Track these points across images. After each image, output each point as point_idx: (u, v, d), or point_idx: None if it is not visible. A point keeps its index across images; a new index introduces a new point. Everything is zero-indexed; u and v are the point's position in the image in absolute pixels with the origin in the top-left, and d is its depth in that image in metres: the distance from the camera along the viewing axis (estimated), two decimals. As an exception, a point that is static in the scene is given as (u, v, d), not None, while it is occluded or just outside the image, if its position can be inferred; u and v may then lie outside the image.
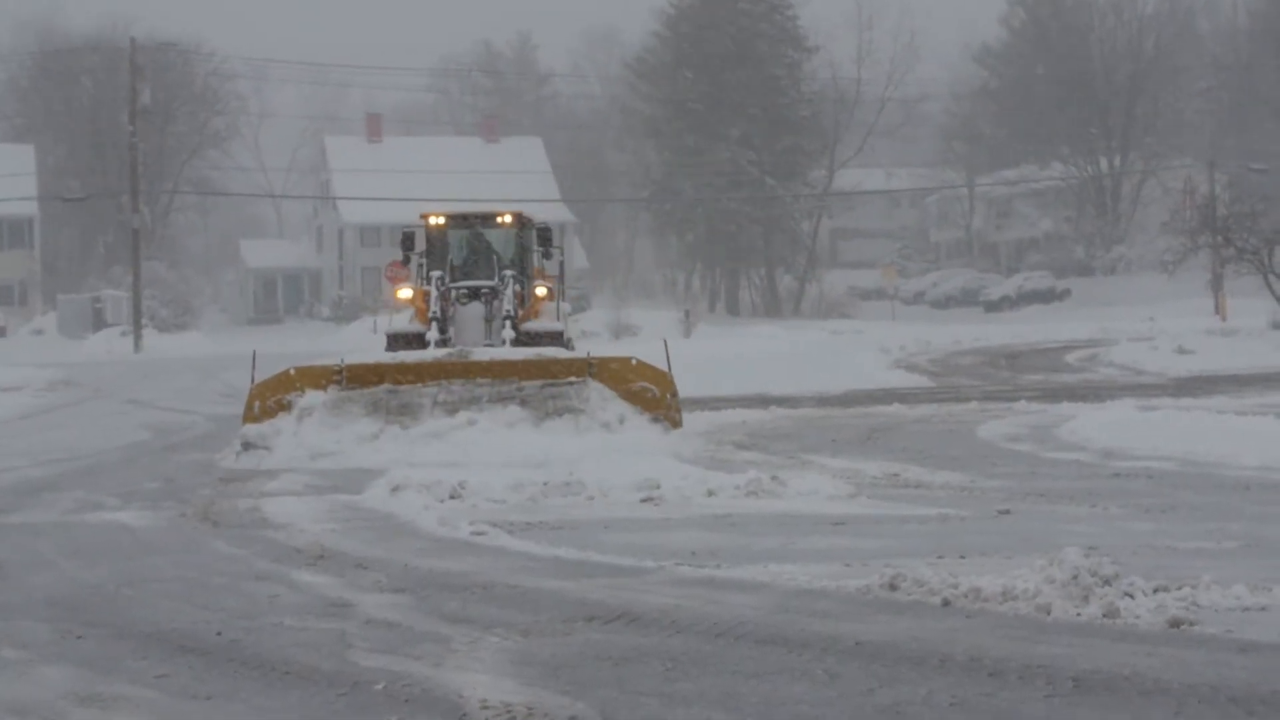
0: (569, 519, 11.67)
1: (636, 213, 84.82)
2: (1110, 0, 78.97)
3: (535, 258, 20.86)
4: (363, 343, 36.69)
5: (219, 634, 7.82)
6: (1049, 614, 7.67)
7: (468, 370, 16.96)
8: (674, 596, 8.47)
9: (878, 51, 78.18)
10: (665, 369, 17.50)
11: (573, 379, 16.94)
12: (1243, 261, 39.88)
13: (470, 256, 20.47)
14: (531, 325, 19.49)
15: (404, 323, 20.50)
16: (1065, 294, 72.29)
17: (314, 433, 16.29)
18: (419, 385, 16.68)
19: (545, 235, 20.68)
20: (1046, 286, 73.43)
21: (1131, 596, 7.81)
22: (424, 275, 20.01)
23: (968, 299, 75.40)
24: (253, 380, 17.46)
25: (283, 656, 7.30)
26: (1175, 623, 7.35)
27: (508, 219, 20.39)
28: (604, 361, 17.44)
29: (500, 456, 14.84)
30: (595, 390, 16.86)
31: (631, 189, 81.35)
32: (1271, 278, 38.55)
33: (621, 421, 16.67)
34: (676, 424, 17.21)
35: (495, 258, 20.24)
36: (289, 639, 7.71)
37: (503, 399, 16.60)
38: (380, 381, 16.84)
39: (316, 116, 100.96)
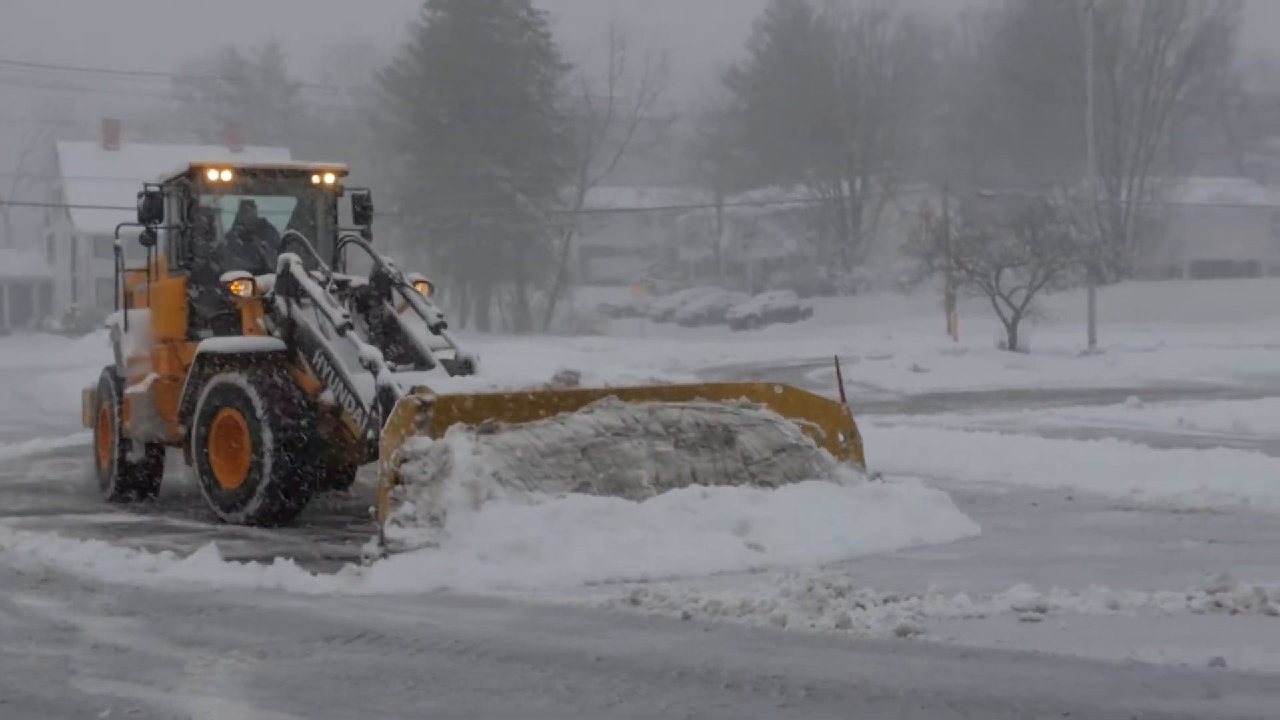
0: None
1: (387, 227, 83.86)
2: (852, 28, 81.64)
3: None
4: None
5: (-68, 663, 7.43)
6: (785, 625, 7.88)
7: (583, 401, 11.05)
8: (417, 615, 8.40)
9: (630, 71, 79.14)
10: (835, 399, 12.31)
11: (798, 421, 11.60)
12: (973, 283, 41.60)
13: (255, 233, 14.29)
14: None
15: (231, 339, 13.12)
16: (808, 313, 74.27)
17: (501, 512, 9.71)
18: (615, 435, 10.62)
19: (365, 207, 14.61)
20: (791, 305, 75.33)
21: (863, 607, 8.08)
22: (181, 255, 13.91)
23: (715, 317, 76.81)
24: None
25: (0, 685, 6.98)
26: (903, 631, 7.63)
27: (328, 178, 14.34)
28: (787, 389, 12.05)
29: (812, 551, 9.82)
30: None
31: (382, 202, 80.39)
32: (999, 300, 40.30)
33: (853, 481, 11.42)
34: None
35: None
36: (7, 666, 7.37)
37: (711, 452, 10.99)
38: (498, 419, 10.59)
39: (49, 121, 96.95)
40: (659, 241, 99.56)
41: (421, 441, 9.89)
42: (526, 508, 9.73)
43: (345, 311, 12.44)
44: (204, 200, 14.16)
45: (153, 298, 14.39)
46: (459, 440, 9.93)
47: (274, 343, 12.75)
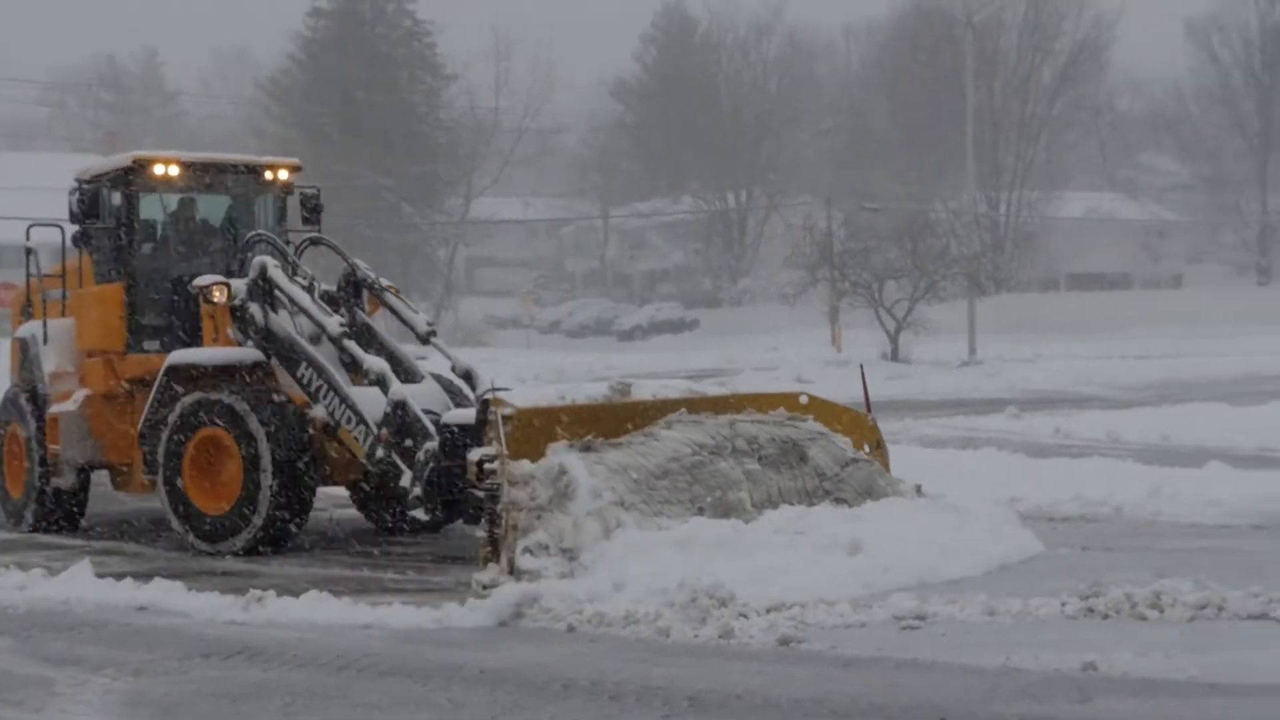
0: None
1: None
2: (737, 42, 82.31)
3: None
4: None
5: None
6: (668, 636, 7.90)
7: (660, 412, 10.33)
8: (297, 631, 8.30)
9: (515, 82, 78.97)
10: (860, 409, 11.79)
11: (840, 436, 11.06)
12: (856, 295, 42.17)
13: (201, 234, 13.09)
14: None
15: (205, 350, 12.01)
16: (694, 324, 74.63)
17: (632, 541, 9.03)
18: (711, 454, 9.99)
19: (314, 206, 13.39)
20: (677, 317, 75.63)
21: (746, 617, 8.12)
22: (120, 258, 12.56)
23: (602, 328, 76.87)
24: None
25: None
26: (785, 641, 7.69)
27: (281, 175, 13.22)
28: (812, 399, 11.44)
29: (931, 570, 9.35)
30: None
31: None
32: (882, 311, 40.85)
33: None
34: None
35: (235, 238, 13.08)
36: None
37: (790, 469, 10.41)
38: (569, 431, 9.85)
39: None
40: (545, 253, 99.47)
41: (525, 464, 9.06)
42: (656, 534, 9.05)
43: (342, 320, 11.47)
44: (148, 197, 12.77)
45: (79, 306, 12.96)
46: (572, 460, 9.10)
47: (251, 353, 11.58)
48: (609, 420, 9.97)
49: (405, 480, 10.44)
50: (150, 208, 12.88)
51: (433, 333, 11.84)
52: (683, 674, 7.11)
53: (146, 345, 12.49)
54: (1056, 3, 72.55)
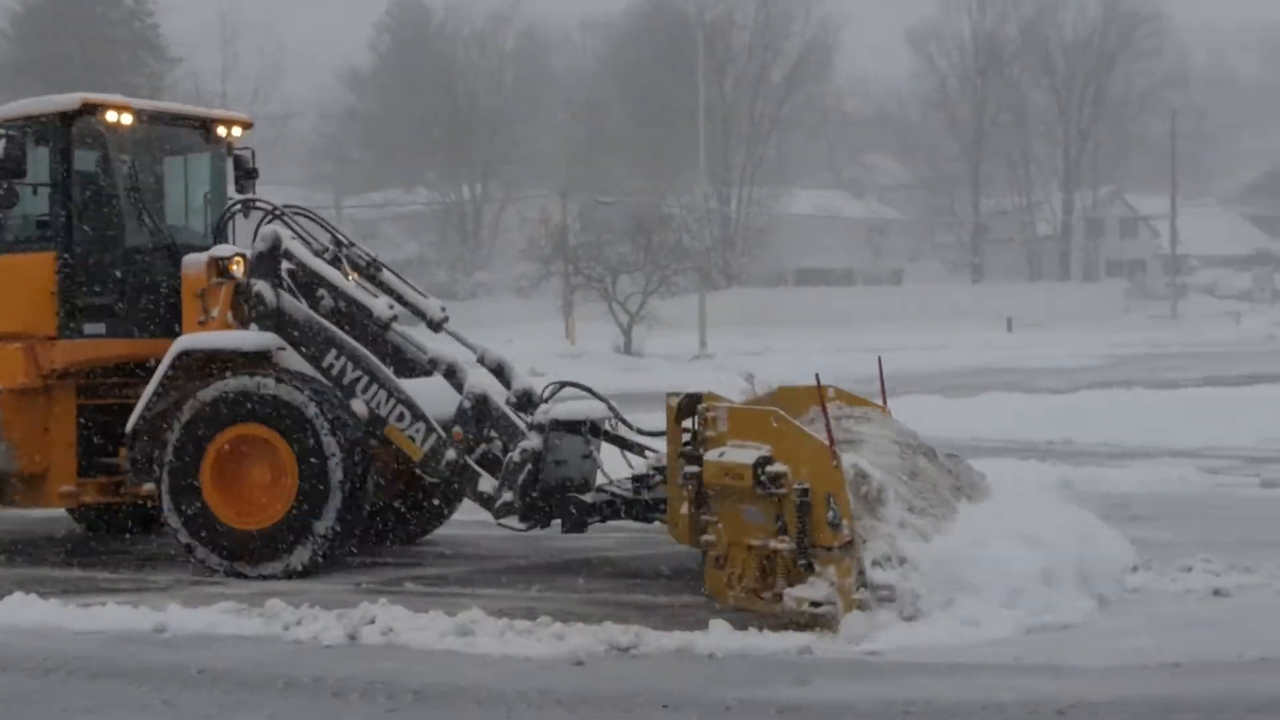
0: None
1: None
2: (474, 34, 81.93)
3: None
4: None
5: None
6: (395, 634, 7.81)
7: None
8: (2, 635, 7.92)
9: (244, 67, 77.03)
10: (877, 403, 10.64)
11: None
12: (590, 288, 42.51)
13: (151, 197, 10.94)
14: None
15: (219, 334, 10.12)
16: (429, 316, 74.06)
17: (947, 546, 8.07)
18: (910, 450, 9.06)
19: (250, 169, 11.72)
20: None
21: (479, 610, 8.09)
22: (56, 221, 10.43)
23: (335, 320, 75.57)
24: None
25: None
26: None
27: (235, 131, 11.41)
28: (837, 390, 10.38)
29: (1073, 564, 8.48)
30: None
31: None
32: (615, 304, 41.29)
33: None
34: None
35: (185, 201, 11.41)
36: None
37: (935, 464, 9.24)
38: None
39: None
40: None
41: (850, 469, 7.90)
42: (954, 538, 8.12)
43: (391, 301, 10.14)
44: (90, 149, 10.60)
45: None
46: (864, 464, 8.04)
47: (270, 339, 9.85)
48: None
49: (486, 486, 9.43)
50: (93, 162, 10.64)
51: (446, 319, 10.39)
52: (408, 668, 7.05)
53: (87, 328, 10.41)
54: (786, 5, 74.53)
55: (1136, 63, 78.57)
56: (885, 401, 10.16)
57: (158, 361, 10.07)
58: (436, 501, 10.89)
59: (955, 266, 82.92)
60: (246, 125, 11.47)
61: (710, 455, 8.22)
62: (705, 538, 8.34)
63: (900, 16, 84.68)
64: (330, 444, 9.32)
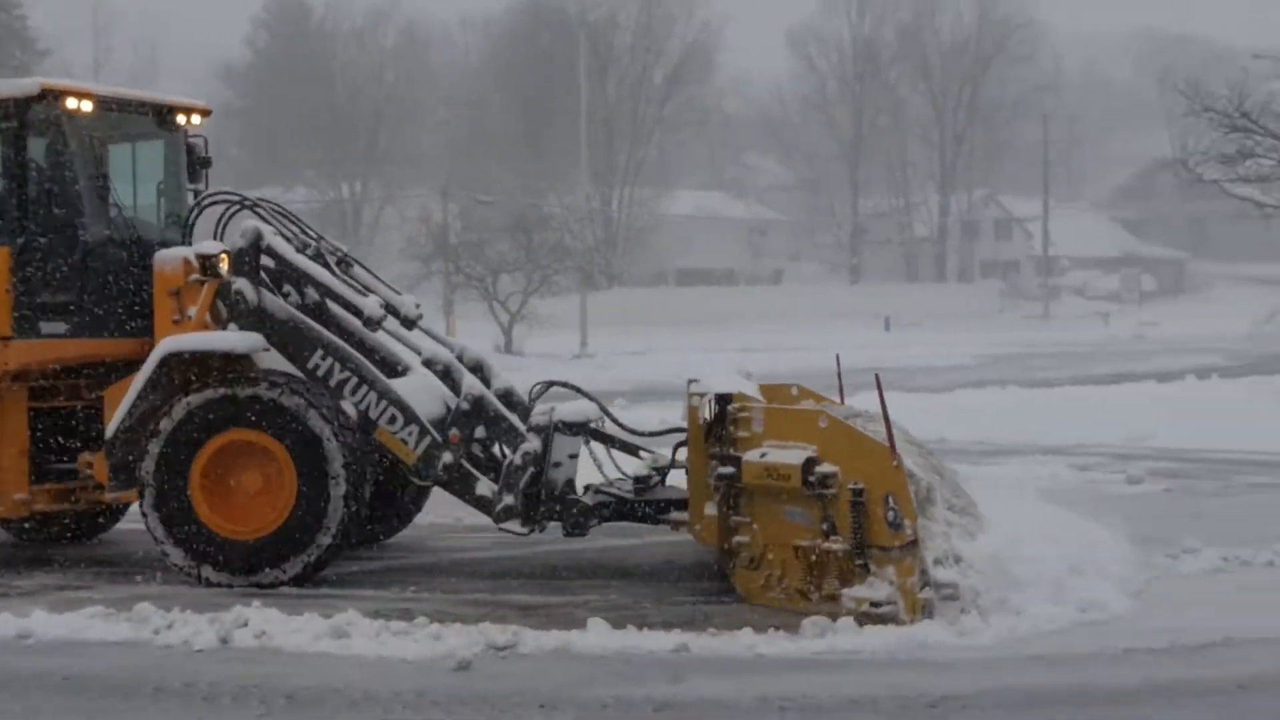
0: None
1: None
2: (353, 30, 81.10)
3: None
4: None
5: None
6: (268, 637, 7.70)
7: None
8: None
9: (117, 60, 75.56)
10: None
11: None
12: (471, 287, 42.34)
13: (107, 187, 10.28)
14: None
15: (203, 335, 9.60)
16: (308, 315, 73.22)
17: (1003, 544, 8.27)
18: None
19: (202, 159, 11.09)
20: (290, 308, 74.04)
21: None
22: (9, 213, 9.91)
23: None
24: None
25: None
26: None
27: (194, 119, 10.85)
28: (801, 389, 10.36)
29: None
30: None
31: None
32: (496, 304, 41.17)
33: None
34: None
35: (142, 192, 10.75)
36: None
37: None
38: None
39: None
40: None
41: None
42: (995, 536, 8.19)
43: (381, 300, 9.69)
44: (47, 137, 9.95)
45: None
46: (909, 462, 7.98)
47: (256, 339, 9.40)
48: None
49: (484, 489, 9.20)
50: (50, 151, 9.94)
51: (420, 316, 9.91)
52: (282, 671, 6.97)
53: (45, 328, 9.82)
54: (668, 6, 74.82)
55: (1011, 68, 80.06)
56: (843, 400, 10.15)
57: (122, 363, 9.74)
58: (408, 501, 10.63)
59: (834, 267, 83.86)
60: (205, 113, 10.89)
61: (750, 455, 8.11)
62: (738, 539, 8.29)
63: (781, 19, 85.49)
64: (332, 449, 8.98)
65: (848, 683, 6.65)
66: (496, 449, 9.61)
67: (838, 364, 10.48)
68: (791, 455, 7.90)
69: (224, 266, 9.57)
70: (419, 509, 10.93)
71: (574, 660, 7.11)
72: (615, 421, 9.70)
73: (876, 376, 7.93)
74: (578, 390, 9.97)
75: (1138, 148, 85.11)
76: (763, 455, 8.05)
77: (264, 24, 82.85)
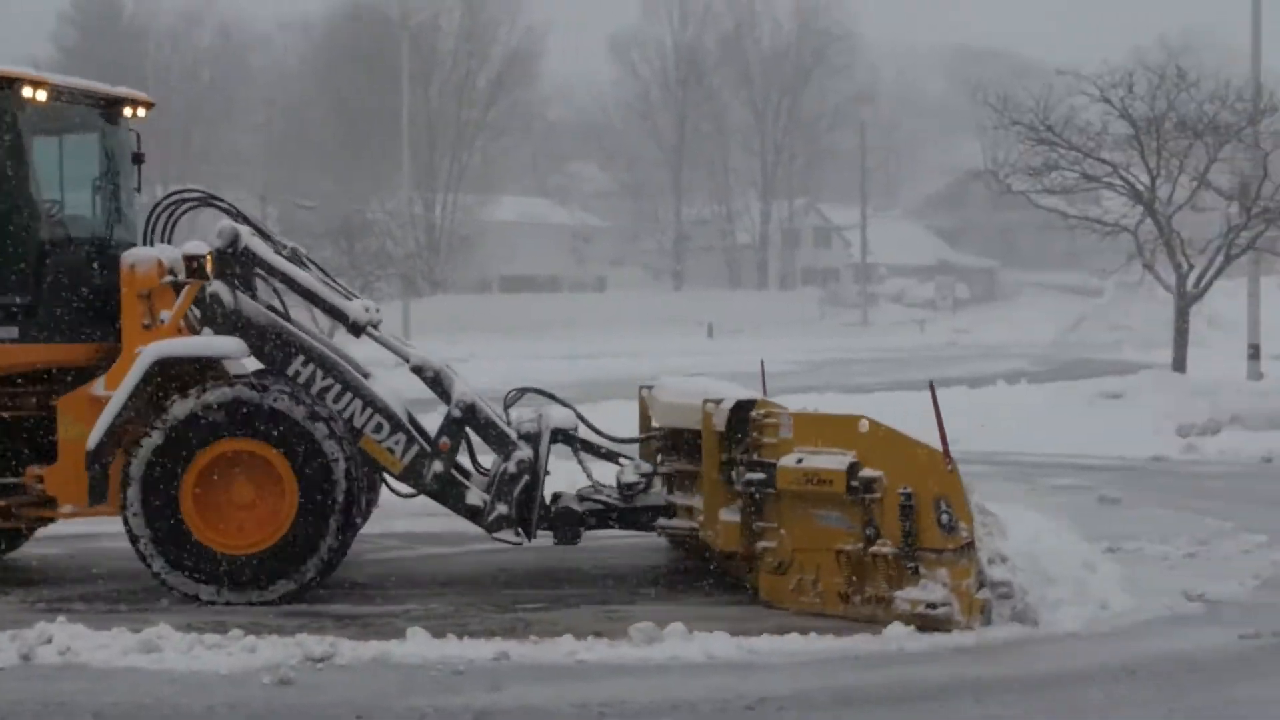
0: None
1: None
2: (166, 30, 79.21)
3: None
4: None
5: None
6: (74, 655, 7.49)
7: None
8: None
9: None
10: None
11: None
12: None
13: (65, 184, 9.86)
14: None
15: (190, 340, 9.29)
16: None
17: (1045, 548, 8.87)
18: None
19: (137, 153, 10.45)
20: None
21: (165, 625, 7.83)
22: None
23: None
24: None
25: None
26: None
27: (140, 112, 10.25)
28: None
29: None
30: None
31: None
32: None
33: None
34: None
35: (112, 191, 10.15)
36: None
37: None
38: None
39: None
40: None
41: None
42: (1019, 535, 8.41)
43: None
44: (5, 129, 9.20)
45: None
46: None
47: (237, 344, 9.04)
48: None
49: (474, 498, 9.02)
50: (11, 141, 9.22)
51: (372, 322, 9.45)
52: (89, 688, 6.79)
53: None
54: (491, 11, 74.57)
55: (829, 79, 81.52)
56: (765, 392, 9.94)
57: (80, 369, 9.24)
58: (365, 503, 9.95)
59: (658, 273, 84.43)
60: (149, 105, 10.27)
61: (786, 461, 8.06)
62: (764, 544, 8.25)
63: (604, 25, 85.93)
64: (334, 458, 8.66)
65: (667, 686, 6.70)
66: (465, 459, 9.41)
67: (762, 369, 10.62)
68: (833, 460, 7.92)
69: (208, 268, 9.07)
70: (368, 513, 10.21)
71: (392, 670, 7.04)
72: (591, 427, 9.60)
73: (930, 384, 7.85)
74: (552, 397, 9.84)
75: (949, 158, 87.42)
76: (799, 461, 8.03)
77: (71, 20, 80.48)
